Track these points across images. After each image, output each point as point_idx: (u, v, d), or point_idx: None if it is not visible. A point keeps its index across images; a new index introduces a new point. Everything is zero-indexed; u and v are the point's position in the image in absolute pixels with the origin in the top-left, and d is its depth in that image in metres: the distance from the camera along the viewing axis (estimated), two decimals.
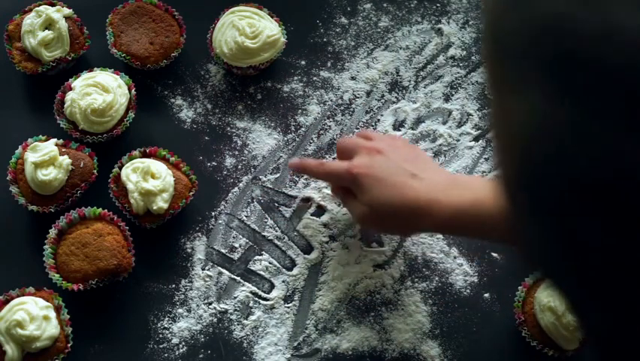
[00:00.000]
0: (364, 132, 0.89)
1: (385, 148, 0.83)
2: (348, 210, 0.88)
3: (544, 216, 0.32)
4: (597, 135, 0.28)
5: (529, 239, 0.35)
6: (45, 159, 0.87)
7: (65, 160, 0.87)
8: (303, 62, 1.02)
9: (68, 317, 0.83)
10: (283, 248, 0.92)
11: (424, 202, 0.78)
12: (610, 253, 0.29)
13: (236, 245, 0.92)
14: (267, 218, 0.93)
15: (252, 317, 0.88)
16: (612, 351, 0.33)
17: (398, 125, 0.99)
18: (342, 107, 1.00)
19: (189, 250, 0.91)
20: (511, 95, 0.32)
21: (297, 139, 0.98)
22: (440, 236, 0.93)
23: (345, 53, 1.03)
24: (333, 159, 0.96)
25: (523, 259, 0.37)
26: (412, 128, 0.99)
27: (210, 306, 0.89)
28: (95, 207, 0.88)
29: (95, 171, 0.90)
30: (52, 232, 0.86)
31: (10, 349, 0.79)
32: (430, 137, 0.98)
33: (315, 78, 1.01)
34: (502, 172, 0.35)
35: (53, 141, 0.89)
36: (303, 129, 0.98)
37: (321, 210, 0.94)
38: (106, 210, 0.88)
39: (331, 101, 1.00)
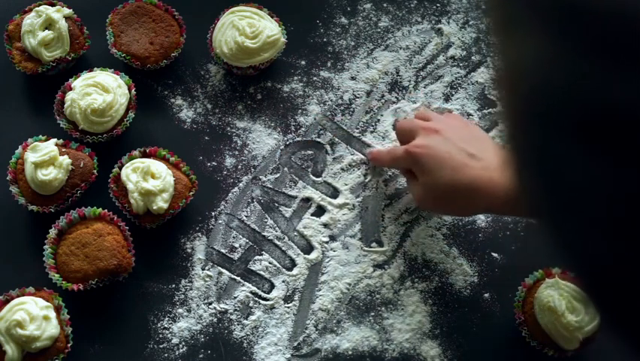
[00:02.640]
0: (422, 113, 0.91)
1: (443, 128, 0.84)
2: (409, 191, 0.90)
3: (544, 149, 0.33)
4: (593, 74, 0.29)
5: (529, 181, 0.36)
6: (45, 159, 0.87)
7: (65, 160, 0.87)
8: (303, 62, 1.02)
9: (68, 317, 0.83)
10: (283, 248, 0.92)
11: (482, 183, 0.79)
12: (594, 178, 0.31)
13: (236, 245, 0.92)
14: (267, 218, 0.93)
15: (252, 317, 0.88)
16: (605, 284, 0.34)
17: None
18: (342, 107, 1.00)
19: (189, 250, 0.91)
20: (515, 37, 0.34)
21: (297, 139, 0.98)
22: (440, 236, 0.93)
23: (345, 53, 1.03)
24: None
25: (526, 208, 0.38)
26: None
27: (210, 306, 0.89)
28: (95, 207, 0.88)
29: (95, 171, 0.90)
30: (52, 232, 0.86)
31: (10, 349, 0.79)
32: None
33: (315, 78, 1.01)
34: (506, 114, 0.36)
35: (53, 141, 0.89)
36: (303, 129, 0.98)
37: (321, 210, 0.94)
38: (106, 210, 0.88)
39: (331, 101, 1.00)
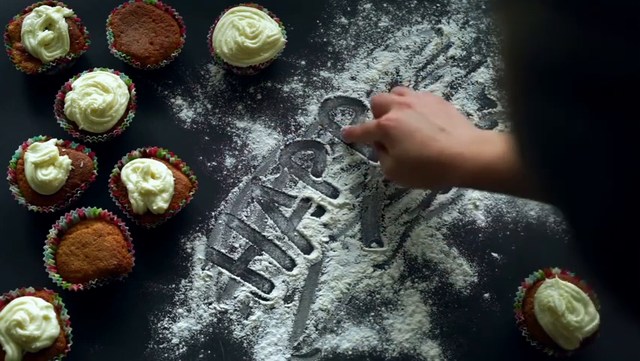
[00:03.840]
0: (399, 88, 0.92)
1: (416, 102, 0.86)
2: (380, 164, 0.91)
3: (545, 112, 0.34)
4: (592, 39, 0.31)
5: (529, 143, 0.37)
6: (45, 159, 0.87)
7: (65, 160, 0.87)
8: (303, 62, 1.02)
9: (68, 317, 0.83)
10: (283, 248, 0.92)
11: (450, 156, 0.79)
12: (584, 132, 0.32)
13: (236, 245, 0.92)
14: (267, 218, 0.93)
15: (252, 317, 0.88)
16: (603, 242, 0.35)
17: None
18: (342, 107, 1.00)
19: (189, 250, 0.91)
20: (515, 10, 0.35)
21: (297, 139, 0.98)
22: (440, 236, 0.93)
23: (345, 53, 1.03)
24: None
25: (525, 166, 0.39)
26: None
27: (210, 306, 0.89)
28: (95, 207, 0.88)
29: (95, 171, 0.90)
30: (52, 232, 0.86)
31: (10, 349, 0.79)
32: None
33: (315, 78, 1.01)
34: (507, 81, 0.37)
35: (53, 141, 0.89)
36: (303, 129, 0.98)
37: (321, 210, 0.94)
38: (106, 210, 0.88)
39: (331, 101, 1.00)
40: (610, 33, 0.30)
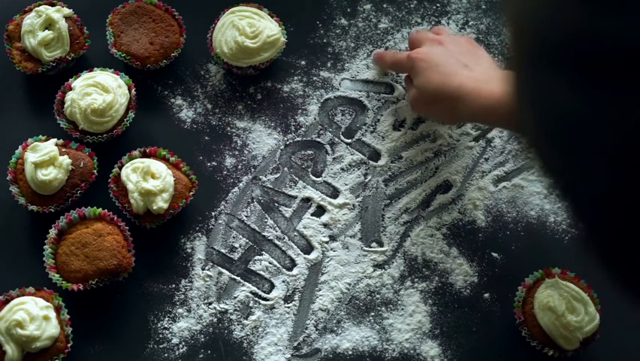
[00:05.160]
0: (437, 28, 0.98)
1: (447, 41, 0.91)
2: (407, 94, 0.96)
3: (546, 82, 0.36)
4: (592, 13, 0.32)
5: (532, 118, 0.38)
6: (45, 159, 0.86)
7: (65, 160, 0.87)
8: (303, 62, 1.02)
9: (68, 317, 0.83)
10: (283, 248, 0.92)
11: (468, 90, 0.83)
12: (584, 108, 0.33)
13: (236, 245, 0.92)
14: (267, 218, 0.93)
15: (252, 317, 0.88)
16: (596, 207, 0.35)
17: (398, 125, 0.99)
18: (342, 108, 1.00)
19: (189, 250, 0.91)
20: None
21: (297, 139, 0.98)
22: (440, 236, 0.93)
23: (345, 54, 1.03)
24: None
25: (522, 141, 0.40)
26: (412, 128, 0.99)
27: (210, 306, 0.89)
28: (95, 207, 0.88)
29: (95, 171, 0.90)
30: (52, 232, 0.86)
31: (10, 349, 0.79)
32: (430, 137, 0.99)
33: (315, 78, 1.01)
34: (513, 54, 0.39)
35: (53, 141, 0.89)
36: (303, 129, 0.98)
37: (321, 210, 0.94)
38: (106, 210, 0.88)
39: (331, 101, 1.00)
40: (612, 8, 0.31)
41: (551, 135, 0.36)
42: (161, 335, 0.87)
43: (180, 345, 0.87)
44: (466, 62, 0.87)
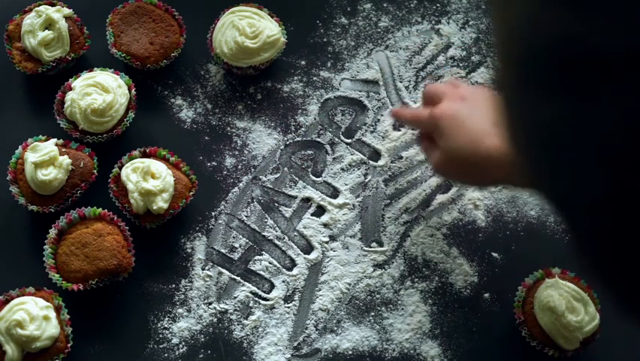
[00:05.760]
0: (452, 80, 0.90)
1: (470, 96, 0.82)
2: (427, 157, 0.87)
3: (532, 92, 0.35)
4: (577, 21, 0.31)
5: (518, 134, 0.37)
6: (45, 159, 0.87)
7: (65, 160, 0.87)
8: (303, 62, 1.02)
9: (68, 317, 0.83)
10: (283, 248, 0.92)
11: (503, 152, 0.74)
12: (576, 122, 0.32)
13: (237, 245, 0.92)
14: (267, 218, 0.93)
15: (252, 317, 0.88)
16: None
17: (398, 126, 0.99)
18: (342, 108, 1.00)
19: (189, 250, 0.91)
20: (508, 2, 0.36)
21: (297, 139, 0.98)
22: (440, 236, 0.93)
23: (345, 53, 1.03)
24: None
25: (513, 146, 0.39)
26: (413, 129, 0.99)
27: (210, 306, 0.89)
28: (95, 207, 0.88)
29: (95, 171, 0.90)
30: (52, 232, 0.86)
31: (10, 349, 0.79)
32: None
33: (315, 78, 1.01)
34: (499, 71, 0.38)
35: (53, 141, 0.89)
36: (303, 129, 0.98)
37: (321, 210, 0.94)
38: (106, 210, 0.88)
39: (331, 101, 1.00)
40: (594, 14, 0.30)
41: (542, 143, 0.35)
42: (161, 335, 0.87)
43: (180, 345, 0.87)
44: (493, 118, 0.77)
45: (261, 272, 0.91)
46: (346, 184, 0.96)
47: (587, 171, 0.33)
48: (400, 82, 1.01)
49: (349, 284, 0.90)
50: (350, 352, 0.87)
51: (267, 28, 0.96)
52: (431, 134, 0.83)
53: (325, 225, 0.93)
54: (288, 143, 0.98)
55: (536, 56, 0.33)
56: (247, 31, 0.95)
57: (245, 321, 0.88)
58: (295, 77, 1.01)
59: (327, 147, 0.98)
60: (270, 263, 0.91)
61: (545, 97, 0.33)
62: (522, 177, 0.73)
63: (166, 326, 0.87)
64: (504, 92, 0.37)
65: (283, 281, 0.90)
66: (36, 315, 0.80)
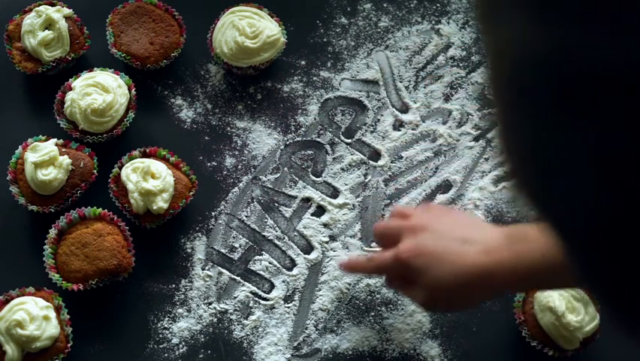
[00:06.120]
0: (397, 210, 0.84)
1: (428, 222, 0.78)
2: (410, 299, 0.83)
3: (531, 120, 0.34)
4: (571, 40, 0.30)
5: (516, 156, 0.36)
6: (45, 159, 0.87)
7: (65, 160, 0.87)
8: (303, 62, 1.02)
9: (68, 317, 0.83)
10: (283, 248, 0.92)
11: (487, 267, 0.73)
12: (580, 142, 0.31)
13: (237, 245, 0.92)
14: (267, 218, 0.93)
15: (252, 317, 0.88)
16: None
17: (398, 126, 0.99)
18: (342, 108, 1.00)
19: (189, 250, 0.91)
20: (496, 21, 0.35)
21: (297, 139, 0.98)
22: None
23: (345, 53, 1.03)
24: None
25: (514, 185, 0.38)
26: (412, 129, 0.99)
27: (210, 306, 0.89)
28: (95, 207, 0.88)
29: (95, 171, 0.90)
30: (52, 232, 0.86)
31: (10, 349, 0.79)
32: (430, 137, 0.99)
33: (315, 78, 1.01)
34: (495, 95, 0.37)
35: (53, 141, 0.89)
36: (303, 129, 0.98)
37: (321, 210, 0.94)
38: (106, 210, 0.88)
39: (331, 101, 1.00)
40: (589, 31, 0.30)
41: (536, 164, 0.35)
42: (161, 335, 0.87)
43: (180, 345, 0.87)
44: (461, 235, 0.76)
45: (261, 272, 0.91)
46: (346, 184, 0.96)
47: (589, 194, 0.32)
48: (400, 82, 1.01)
49: (349, 284, 0.90)
50: (350, 352, 0.87)
51: (267, 28, 0.96)
52: (402, 275, 0.79)
53: (325, 225, 0.93)
54: (288, 143, 0.98)
55: (533, 74, 0.32)
56: (247, 31, 0.95)
57: (245, 321, 0.88)
58: (295, 77, 1.01)
59: (327, 147, 0.98)
60: (270, 263, 0.91)
61: (539, 118, 0.32)
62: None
63: (166, 326, 0.87)
64: (497, 110, 0.37)
65: (283, 281, 0.90)
66: (36, 315, 0.80)
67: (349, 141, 0.98)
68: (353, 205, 0.94)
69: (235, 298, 0.89)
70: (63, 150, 0.89)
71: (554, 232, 0.35)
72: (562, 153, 0.32)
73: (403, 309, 0.89)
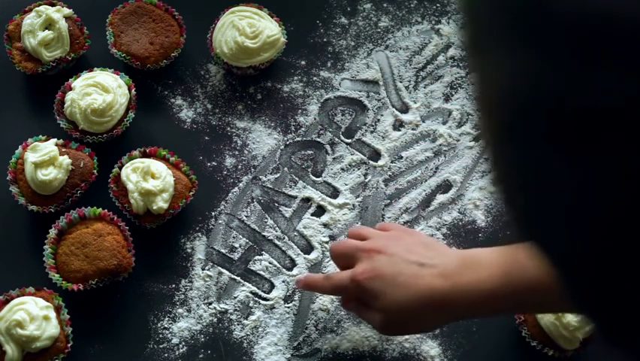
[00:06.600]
0: (355, 231, 0.84)
1: (384, 244, 0.78)
2: (366, 322, 0.83)
3: (520, 156, 0.33)
4: (557, 75, 0.30)
5: (514, 195, 0.36)
6: (45, 159, 0.87)
7: (65, 160, 0.87)
8: (303, 62, 1.02)
9: (68, 317, 0.83)
10: (283, 248, 0.92)
11: (442, 293, 0.73)
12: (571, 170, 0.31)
13: (236, 245, 0.92)
14: (267, 218, 0.93)
15: (252, 317, 0.88)
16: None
17: (398, 126, 0.99)
18: (342, 108, 1.00)
19: (189, 250, 0.91)
20: (481, 54, 0.35)
21: (297, 139, 0.98)
22: (440, 236, 0.93)
23: (345, 53, 1.03)
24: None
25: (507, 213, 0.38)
26: (412, 129, 0.99)
27: (210, 306, 0.89)
28: (95, 207, 0.88)
29: (95, 171, 0.90)
30: (52, 232, 0.86)
31: (10, 349, 0.79)
32: (430, 137, 0.99)
33: (315, 78, 1.01)
34: (484, 128, 0.37)
35: (53, 141, 0.89)
36: (303, 129, 0.98)
37: (321, 210, 0.94)
38: (106, 210, 0.88)
39: (331, 101, 1.00)
40: (575, 67, 0.29)
41: (534, 200, 0.34)
42: (161, 335, 0.87)
43: (180, 345, 0.87)
44: (419, 259, 0.75)
45: (261, 272, 0.91)
46: (346, 184, 0.96)
47: (584, 226, 0.31)
48: (400, 82, 1.01)
49: None
50: (350, 352, 0.87)
51: (267, 28, 0.96)
52: (357, 297, 0.78)
53: (325, 225, 0.93)
54: (288, 143, 0.98)
55: (524, 115, 0.32)
56: (247, 31, 0.95)
57: (245, 321, 0.88)
58: (295, 77, 1.01)
59: (327, 147, 0.98)
60: (270, 263, 0.91)
61: (534, 155, 0.32)
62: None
63: (166, 326, 0.87)
64: (490, 148, 0.37)
65: (283, 281, 0.90)
66: (36, 315, 0.80)
67: (349, 141, 0.98)
68: (353, 205, 0.94)
69: (235, 298, 0.89)
70: (63, 150, 0.89)
71: (546, 258, 0.35)
72: (550, 186, 0.32)
73: None
